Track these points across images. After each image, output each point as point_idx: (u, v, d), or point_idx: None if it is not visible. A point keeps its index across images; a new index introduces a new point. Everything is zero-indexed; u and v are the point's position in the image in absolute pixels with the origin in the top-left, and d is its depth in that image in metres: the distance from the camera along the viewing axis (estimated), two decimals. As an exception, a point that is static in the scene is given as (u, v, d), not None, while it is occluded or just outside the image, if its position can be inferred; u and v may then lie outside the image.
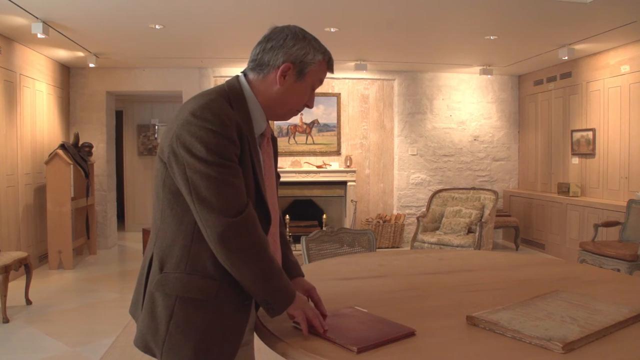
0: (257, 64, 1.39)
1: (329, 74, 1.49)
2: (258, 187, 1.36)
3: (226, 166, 1.24)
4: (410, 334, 1.28)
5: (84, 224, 6.41)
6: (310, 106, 1.47)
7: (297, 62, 1.36)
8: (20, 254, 4.29)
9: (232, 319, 1.33)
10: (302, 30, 1.40)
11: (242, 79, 1.41)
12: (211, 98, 1.31)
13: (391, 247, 6.94)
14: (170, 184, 1.31)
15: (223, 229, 1.23)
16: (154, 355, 1.31)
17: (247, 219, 1.26)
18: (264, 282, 1.29)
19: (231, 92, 1.36)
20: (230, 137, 1.26)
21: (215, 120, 1.24)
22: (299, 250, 2.62)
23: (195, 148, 1.22)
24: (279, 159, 7.00)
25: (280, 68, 1.36)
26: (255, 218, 1.29)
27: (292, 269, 1.55)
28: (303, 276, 1.56)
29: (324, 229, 4.48)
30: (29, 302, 4.39)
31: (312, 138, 7.13)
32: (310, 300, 1.46)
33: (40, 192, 5.85)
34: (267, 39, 1.39)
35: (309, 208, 7.28)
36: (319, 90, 1.54)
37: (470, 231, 5.82)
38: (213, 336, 1.29)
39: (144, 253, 5.59)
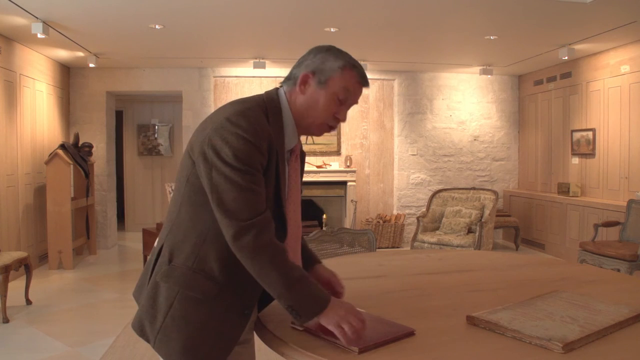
0: (287, 78, 1.44)
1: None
2: (279, 200, 1.38)
3: (250, 173, 1.26)
4: (410, 333, 1.29)
5: (84, 224, 6.41)
6: (341, 119, 1.44)
7: (316, 71, 1.39)
8: (20, 254, 4.29)
9: (228, 324, 1.34)
10: (332, 46, 1.43)
11: (281, 91, 1.43)
12: (248, 106, 1.33)
13: (391, 247, 6.94)
14: (193, 181, 1.33)
15: (235, 230, 1.25)
16: (147, 341, 1.35)
17: (260, 222, 1.26)
18: (284, 287, 1.25)
19: (269, 103, 1.39)
20: (259, 147, 1.28)
21: (248, 128, 1.27)
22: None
23: (223, 152, 1.26)
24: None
25: (301, 77, 1.39)
26: (271, 224, 1.29)
27: (309, 257, 1.57)
28: (320, 262, 1.57)
29: (324, 229, 4.49)
30: (29, 302, 4.39)
31: (312, 138, 7.13)
32: (331, 292, 1.42)
33: (40, 192, 5.85)
34: (301, 57, 1.44)
35: (309, 208, 7.28)
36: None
37: (470, 231, 5.82)
38: (205, 336, 1.31)
39: (144, 253, 5.58)
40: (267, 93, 1.43)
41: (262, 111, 1.35)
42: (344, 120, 1.45)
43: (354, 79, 1.42)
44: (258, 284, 1.35)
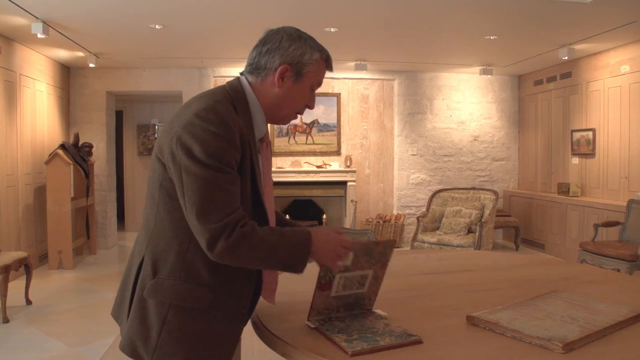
0: (254, 68, 1.37)
1: (329, 74, 1.46)
2: (256, 192, 1.33)
3: (223, 171, 1.21)
4: (417, 342, 1.26)
5: (84, 224, 6.41)
6: (311, 107, 1.45)
7: (294, 63, 1.34)
8: (20, 254, 4.29)
9: (227, 328, 1.31)
10: (297, 30, 1.38)
11: (244, 81, 1.38)
12: (216, 99, 1.28)
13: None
14: (167, 186, 1.28)
15: (207, 237, 1.19)
16: None
17: (230, 221, 1.20)
18: (270, 258, 1.25)
19: (235, 94, 1.34)
20: (232, 142, 1.23)
21: (219, 123, 1.22)
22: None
23: (194, 149, 1.20)
24: (279, 159, 7.01)
25: (278, 70, 1.34)
26: (241, 218, 1.23)
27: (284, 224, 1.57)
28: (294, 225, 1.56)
29: (324, 229, 4.49)
30: (29, 302, 4.39)
31: (312, 138, 7.13)
32: None
33: (40, 192, 5.85)
34: (263, 42, 1.37)
35: (309, 208, 7.28)
36: (319, 90, 1.52)
37: (470, 231, 5.82)
38: (206, 345, 1.27)
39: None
40: (230, 84, 1.38)
41: (230, 103, 1.30)
42: (313, 107, 1.45)
43: (325, 68, 1.41)
44: (252, 280, 1.34)
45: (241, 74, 1.42)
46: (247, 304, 1.36)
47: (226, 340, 1.31)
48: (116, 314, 1.40)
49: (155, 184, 1.31)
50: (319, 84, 1.43)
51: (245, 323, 1.37)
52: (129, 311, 1.31)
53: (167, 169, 1.27)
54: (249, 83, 1.38)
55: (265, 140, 1.44)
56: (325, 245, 1.29)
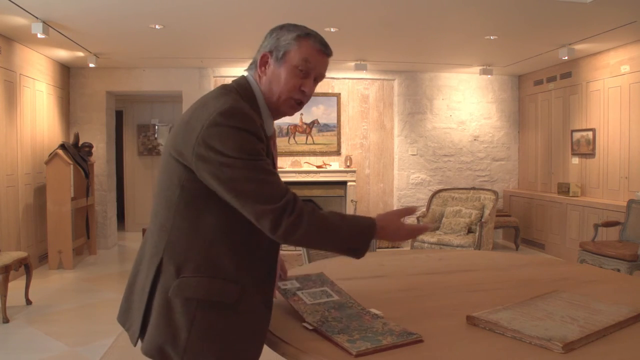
0: (250, 65, 1.43)
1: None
2: None
3: (260, 159, 1.24)
4: (417, 341, 1.27)
5: (84, 224, 6.41)
6: (307, 92, 1.39)
7: (272, 49, 1.37)
8: (20, 254, 4.29)
9: (255, 322, 1.31)
10: (287, 23, 1.41)
11: (250, 77, 1.41)
12: (234, 98, 1.30)
13: (391, 247, 6.93)
14: (190, 186, 1.27)
15: (270, 219, 1.22)
16: None
17: (288, 201, 1.24)
18: (335, 240, 1.30)
19: (242, 92, 1.36)
20: (259, 136, 1.26)
21: (245, 119, 1.24)
22: (299, 250, 2.62)
23: (226, 147, 1.21)
24: (279, 159, 7.01)
25: (260, 59, 1.38)
26: (297, 198, 1.28)
27: None
28: None
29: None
30: (29, 302, 4.39)
31: (312, 138, 7.13)
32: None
33: (40, 192, 5.85)
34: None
35: (309, 208, 7.27)
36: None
37: (470, 231, 5.82)
38: (237, 340, 1.27)
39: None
40: (236, 82, 1.40)
41: (242, 100, 1.33)
42: (309, 92, 1.39)
43: (313, 48, 1.37)
44: (272, 274, 1.36)
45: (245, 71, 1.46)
46: (271, 298, 1.36)
47: (255, 334, 1.30)
48: (123, 320, 1.39)
49: (173, 185, 1.30)
50: (307, 61, 1.36)
51: (270, 316, 1.36)
52: (144, 316, 1.29)
53: (191, 172, 1.26)
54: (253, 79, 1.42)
55: (273, 139, 1.45)
56: (389, 231, 1.37)
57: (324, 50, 1.39)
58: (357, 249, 1.31)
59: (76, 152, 6.06)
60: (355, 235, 1.31)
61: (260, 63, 1.38)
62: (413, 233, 1.44)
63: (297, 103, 1.40)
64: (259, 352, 1.31)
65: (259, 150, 1.25)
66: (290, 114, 1.44)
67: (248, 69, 1.43)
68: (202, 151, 1.22)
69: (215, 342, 1.25)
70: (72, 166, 5.91)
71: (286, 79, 1.36)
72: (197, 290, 1.26)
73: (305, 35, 1.37)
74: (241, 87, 1.38)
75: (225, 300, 1.27)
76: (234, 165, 1.21)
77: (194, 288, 1.26)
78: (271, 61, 1.37)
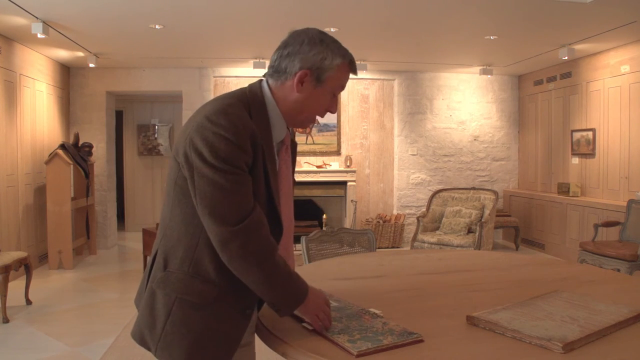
0: (274, 71, 1.37)
1: (352, 76, 1.43)
2: (271, 197, 1.34)
3: (233, 173, 1.22)
4: (418, 341, 1.27)
5: (84, 224, 6.41)
6: (332, 111, 1.42)
7: (314, 68, 1.32)
8: (20, 254, 4.29)
9: (229, 325, 1.33)
10: (320, 33, 1.36)
11: (265, 84, 1.39)
12: (229, 102, 1.29)
13: (391, 247, 6.94)
14: (181, 184, 1.30)
15: (223, 236, 1.23)
16: (148, 349, 1.33)
17: (248, 226, 1.23)
18: (268, 287, 1.28)
19: (252, 97, 1.35)
20: (242, 146, 1.23)
21: (228, 127, 1.22)
22: (299, 250, 2.62)
23: (205, 152, 1.21)
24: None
25: (297, 75, 1.32)
26: (260, 224, 1.26)
27: None
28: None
29: (324, 229, 4.49)
30: (29, 302, 4.39)
31: (312, 138, 7.13)
32: None
33: (40, 192, 5.85)
34: (285, 44, 1.36)
35: (309, 208, 7.27)
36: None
37: (470, 231, 5.83)
38: (208, 340, 1.29)
39: (144, 253, 5.57)
40: (251, 87, 1.39)
41: (243, 106, 1.30)
42: (334, 111, 1.43)
43: (348, 74, 1.40)
44: None
45: (264, 76, 1.42)
46: (252, 305, 1.37)
47: (228, 337, 1.32)
48: (137, 302, 1.44)
49: (172, 181, 1.34)
50: (342, 87, 1.40)
51: (248, 321, 1.37)
52: (143, 300, 1.37)
53: (181, 169, 1.29)
54: (269, 86, 1.38)
55: (286, 144, 1.44)
56: (312, 307, 1.33)
57: (354, 74, 1.41)
58: (279, 310, 1.32)
59: (76, 152, 6.06)
60: (287, 295, 1.31)
61: (298, 80, 1.33)
62: (323, 314, 1.35)
63: (316, 119, 1.44)
64: (230, 354, 1.32)
65: (237, 162, 1.23)
66: (306, 127, 1.48)
67: (270, 75, 1.38)
68: (187, 151, 1.25)
69: (186, 338, 1.28)
70: (72, 166, 5.91)
71: (320, 102, 1.37)
72: (176, 286, 1.30)
73: (349, 63, 1.37)
74: (252, 92, 1.37)
75: (200, 301, 1.30)
76: (205, 175, 1.22)
77: (173, 284, 1.31)
78: (309, 80, 1.33)
